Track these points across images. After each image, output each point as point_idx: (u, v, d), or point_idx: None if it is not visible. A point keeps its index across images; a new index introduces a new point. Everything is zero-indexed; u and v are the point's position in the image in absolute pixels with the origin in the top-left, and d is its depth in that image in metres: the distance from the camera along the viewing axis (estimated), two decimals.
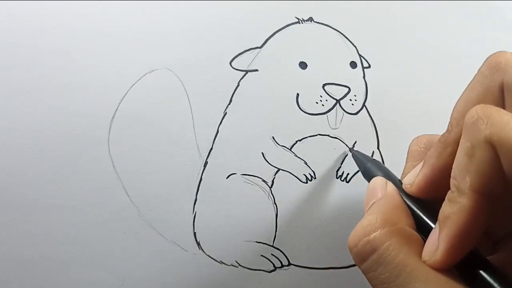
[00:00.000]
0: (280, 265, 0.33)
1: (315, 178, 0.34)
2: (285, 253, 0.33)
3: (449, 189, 0.20)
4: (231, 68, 0.34)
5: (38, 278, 0.31)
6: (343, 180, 0.35)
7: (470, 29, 0.39)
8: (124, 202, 0.32)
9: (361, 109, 0.36)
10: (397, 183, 0.26)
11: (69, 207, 0.31)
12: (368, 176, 0.28)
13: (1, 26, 0.32)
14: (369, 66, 0.37)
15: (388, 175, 0.27)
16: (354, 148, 0.35)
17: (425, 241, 0.21)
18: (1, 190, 0.31)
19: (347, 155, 0.35)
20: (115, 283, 0.32)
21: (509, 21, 0.40)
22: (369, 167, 0.29)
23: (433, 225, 0.22)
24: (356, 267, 0.34)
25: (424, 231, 0.22)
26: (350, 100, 0.35)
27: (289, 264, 0.33)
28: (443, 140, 0.22)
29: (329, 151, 0.35)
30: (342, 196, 0.34)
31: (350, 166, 0.35)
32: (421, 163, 0.24)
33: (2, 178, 0.31)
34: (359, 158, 0.32)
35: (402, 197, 0.24)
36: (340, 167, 0.35)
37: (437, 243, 0.20)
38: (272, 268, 0.33)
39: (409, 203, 0.24)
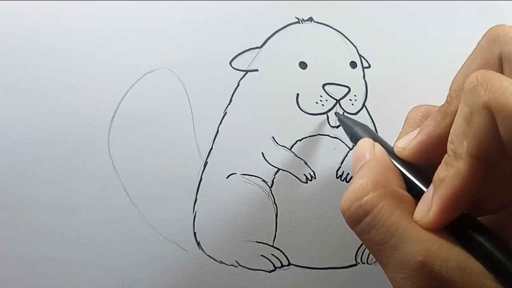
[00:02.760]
0: (280, 265, 0.33)
1: (315, 178, 0.34)
2: (285, 253, 0.33)
3: (442, 157, 0.20)
4: (231, 68, 0.34)
5: (38, 278, 0.31)
6: (343, 180, 0.35)
7: (470, 29, 0.39)
8: (124, 202, 0.32)
9: (361, 109, 0.36)
10: (387, 146, 0.26)
11: (69, 207, 0.31)
12: (356, 141, 0.27)
13: (1, 26, 0.32)
14: (369, 66, 0.37)
15: (376, 138, 0.27)
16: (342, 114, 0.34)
17: (416, 203, 0.21)
18: (1, 190, 0.31)
19: (347, 155, 0.35)
20: (115, 283, 0.32)
21: (509, 21, 0.40)
22: (356, 131, 0.29)
23: (423, 187, 0.22)
24: (356, 267, 0.34)
25: (414, 193, 0.22)
26: (350, 100, 0.35)
27: (289, 264, 0.33)
28: (442, 111, 0.23)
29: (329, 151, 0.35)
30: (342, 196, 0.34)
31: (350, 166, 0.35)
32: (417, 130, 0.24)
33: (2, 178, 0.31)
34: (346, 122, 0.31)
35: (392, 160, 0.24)
36: (340, 167, 0.35)
37: (430, 204, 0.20)
38: (272, 268, 0.33)
39: (399, 166, 0.24)
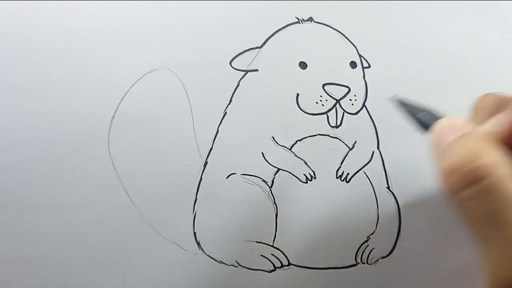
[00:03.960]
0: (280, 265, 0.33)
1: (315, 178, 0.34)
2: (285, 253, 0.33)
3: None
4: (231, 68, 0.34)
5: (38, 278, 0.31)
6: (343, 180, 0.35)
7: (470, 29, 0.39)
8: (124, 202, 0.32)
9: (361, 109, 0.36)
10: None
11: (69, 207, 0.31)
12: (425, 125, 0.24)
13: (1, 26, 0.32)
14: (369, 66, 0.37)
15: None
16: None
17: None
18: (1, 190, 0.31)
19: (347, 155, 0.35)
20: (115, 283, 0.32)
21: (509, 21, 0.40)
22: (425, 115, 0.26)
23: None
24: (356, 267, 0.34)
25: None
26: (350, 100, 0.35)
27: (289, 264, 0.33)
28: None
29: (329, 151, 0.35)
30: (342, 196, 0.34)
31: (350, 166, 0.35)
32: (503, 113, 0.22)
33: (2, 178, 0.31)
34: (410, 106, 0.28)
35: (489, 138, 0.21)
36: (340, 167, 0.35)
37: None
38: (272, 268, 0.33)
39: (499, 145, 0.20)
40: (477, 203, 0.18)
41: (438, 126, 0.23)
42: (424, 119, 0.25)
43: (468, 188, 0.18)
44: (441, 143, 0.21)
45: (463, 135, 0.20)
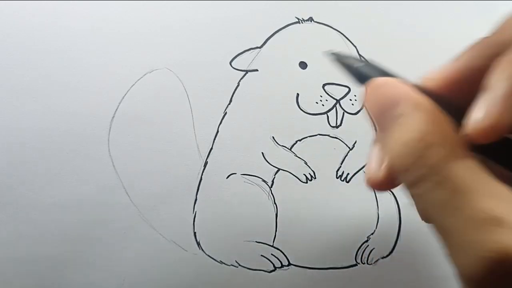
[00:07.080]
0: (280, 265, 0.33)
1: (315, 178, 0.34)
2: (285, 253, 0.33)
3: (472, 94, 0.17)
4: (231, 68, 0.34)
5: (38, 278, 0.31)
6: (343, 180, 0.35)
7: (470, 29, 0.39)
8: (124, 202, 0.32)
9: (361, 109, 0.36)
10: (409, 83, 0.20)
11: (69, 207, 0.31)
12: (362, 79, 0.21)
13: (1, 26, 0.32)
14: None
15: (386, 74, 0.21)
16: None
17: None
18: (1, 190, 0.31)
19: (347, 154, 0.35)
20: (115, 283, 0.32)
21: None
22: (363, 68, 0.22)
23: None
24: (356, 267, 0.34)
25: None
26: (350, 100, 0.35)
27: (289, 264, 0.33)
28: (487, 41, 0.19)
29: (329, 151, 0.35)
30: (342, 196, 0.34)
31: (350, 166, 0.35)
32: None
33: (2, 178, 0.31)
34: (345, 58, 0.23)
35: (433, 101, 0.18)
36: (340, 167, 0.35)
37: (485, 106, 0.16)
38: (272, 268, 0.33)
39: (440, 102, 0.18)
40: (427, 196, 0.16)
41: (378, 88, 0.20)
42: (363, 72, 0.22)
43: (419, 184, 0.16)
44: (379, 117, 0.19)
45: (410, 113, 0.17)
